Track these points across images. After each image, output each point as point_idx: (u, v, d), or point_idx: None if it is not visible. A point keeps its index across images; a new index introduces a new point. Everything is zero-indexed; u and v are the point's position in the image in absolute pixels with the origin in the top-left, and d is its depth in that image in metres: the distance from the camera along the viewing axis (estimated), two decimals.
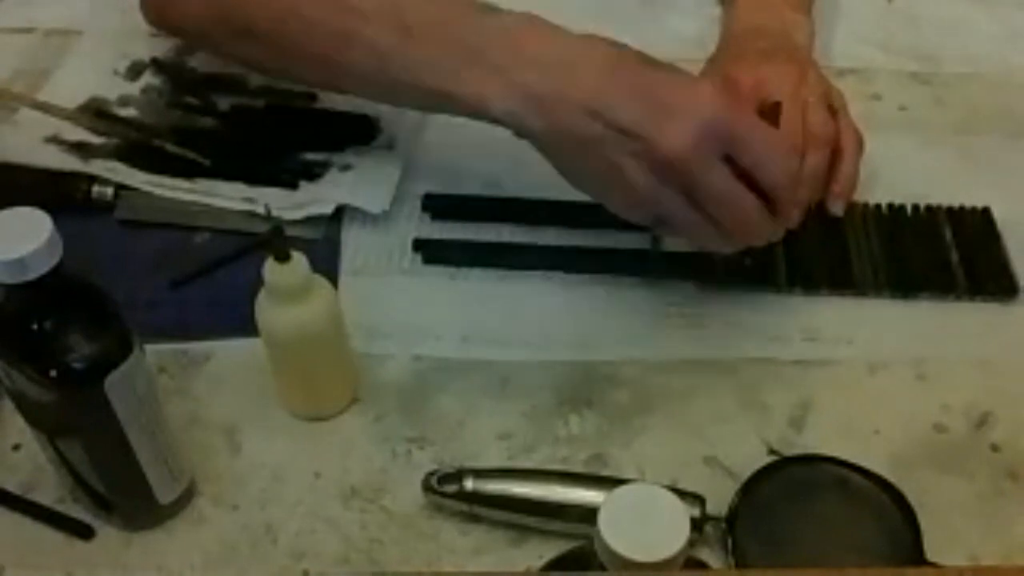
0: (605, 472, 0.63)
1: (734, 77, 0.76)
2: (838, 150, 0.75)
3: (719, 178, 0.60)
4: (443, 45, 0.65)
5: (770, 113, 0.67)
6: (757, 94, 0.74)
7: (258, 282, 0.60)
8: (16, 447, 0.64)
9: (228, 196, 0.77)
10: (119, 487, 0.59)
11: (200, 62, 0.86)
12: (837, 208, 0.75)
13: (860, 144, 0.76)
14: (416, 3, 0.67)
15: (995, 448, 0.65)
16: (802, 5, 0.87)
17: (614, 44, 0.63)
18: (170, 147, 0.80)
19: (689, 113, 0.59)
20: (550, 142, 0.64)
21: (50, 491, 0.62)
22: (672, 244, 0.72)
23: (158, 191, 0.77)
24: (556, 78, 0.62)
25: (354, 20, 0.68)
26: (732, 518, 0.59)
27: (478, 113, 0.65)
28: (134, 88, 0.85)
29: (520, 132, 0.64)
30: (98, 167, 0.78)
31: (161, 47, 0.87)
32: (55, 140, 0.80)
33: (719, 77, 0.77)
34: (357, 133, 0.81)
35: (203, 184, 0.78)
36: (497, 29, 0.64)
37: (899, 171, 0.80)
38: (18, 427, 0.59)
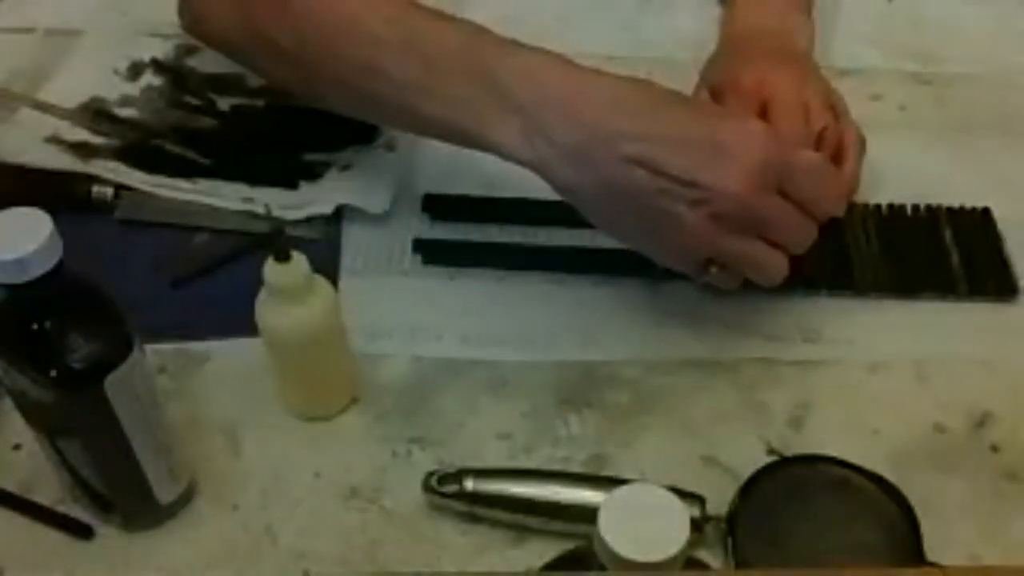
0: (605, 472, 0.63)
1: (735, 78, 0.76)
2: (840, 151, 0.75)
3: (779, 208, 0.60)
4: (464, 80, 0.63)
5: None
6: (759, 95, 0.74)
7: (258, 282, 0.60)
8: (16, 447, 0.64)
9: (228, 196, 0.77)
10: (119, 487, 0.59)
11: (200, 62, 0.86)
12: (838, 209, 0.75)
13: (862, 145, 0.76)
14: (438, 34, 0.65)
15: (995, 448, 0.65)
16: (803, 5, 0.87)
17: (641, 83, 0.61)
18: (170, 147, 0.80)
19: (744, 155, 0.59)
20: (584, 194, 0.61)
21: (50, 491, 0.62)
22: None
23: (158, 191, 0.77)
24: (587, 126, 0.60)
25: (376, 49, 0.66)
26: (732, 518, 0.59)
27: (496, 153, 0.63)
28: (134, 88, 0.85)
29: (541, 177, 0.62)
30: (98, 167, 0.78)
31: (161, 47, 0.87)
32: (55, 140, 0.80)
33: (724, 82, 0.77)
34: (357, 133, 0.81)
35: (203, 184, 0.78)
36: (518, 67, 0.62)
37: (899, 171, 0.80)
38: (18, 427, 0.59)
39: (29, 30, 0.91)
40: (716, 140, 0.59)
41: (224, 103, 0.84)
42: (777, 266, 0.63)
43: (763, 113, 0.74)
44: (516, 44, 0.63)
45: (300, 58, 0.70)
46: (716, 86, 0.78)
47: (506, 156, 0.63)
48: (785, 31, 0.83)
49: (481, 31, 0.65)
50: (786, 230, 0.62)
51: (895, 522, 0.59)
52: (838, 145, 0.75)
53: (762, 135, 0.60)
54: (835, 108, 0.77)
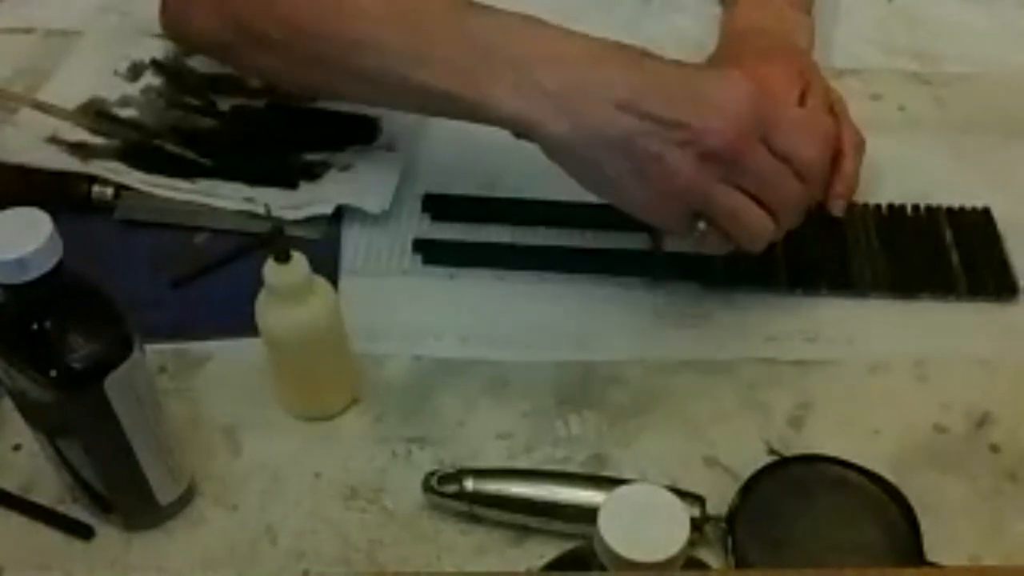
0: (605, 472, 0.63)
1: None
2: (839, 151, 0.75)
3: (764, 159, 0.61)
4: (454, 44, 0.64)
5: None
6: None
7: (258, 282, 0.60)
8: (16, 447, 0.64)
9: (228, 196, 0.77)
10: (119, 487, 0.59)
11: (200, 62, 0.86)
12: (837, 209, 0.75)
13: (861, 145, 0.77)
14: (424, 3, 0.67)
15: (995, 448, 0.65)
16: (802, 5, 0.87)
17: (623, 43, 0.63)
18: (170, 147, 0.80)
19: (729, 100, 0.60)
20: (573, 145, 0.62)
21: (50, 491, 0.62)
22: (673, 244, 0.72)
23: (158, 191, 0.77)
24: (576, 75, 0.61)
25: (363, 23, 0.67)
26: (732, 518, 0.59)
27: (488, 114, 0.63)
28: (134, 88, 0.85)
29: (534, 135, 0.63)
30: (98, 167, 0.78)
31: (161, 48, 0.87)
32: (55, 140, 0.80)
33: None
34: (357, 133, 0.81)
35: (203, 184, 0.78)
36: (505, 27, 0.64)
37: (899, 171, 0.80)
38: (18, 427, 0.59)
39: (29, 30, 0.92)
40: (703, 87, 0.61)
41: (224, 103, 0.84)
42: (762, 226, 0.63)
43: None
44: (500, 9, 0.65)
45: (289, 45, 0.70)
46: None
47: (498, 115, 0.63)
48: (785, 30, 0.83)
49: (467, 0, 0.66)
50: (772, 185, 0.62)
51: (895, 522, 0.59)
52: (837, 145, 0.75)
53: (748, 85, 0.61)
54: (834, 108, 0.77)
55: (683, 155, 0.60)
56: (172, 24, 0.81)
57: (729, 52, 0.82)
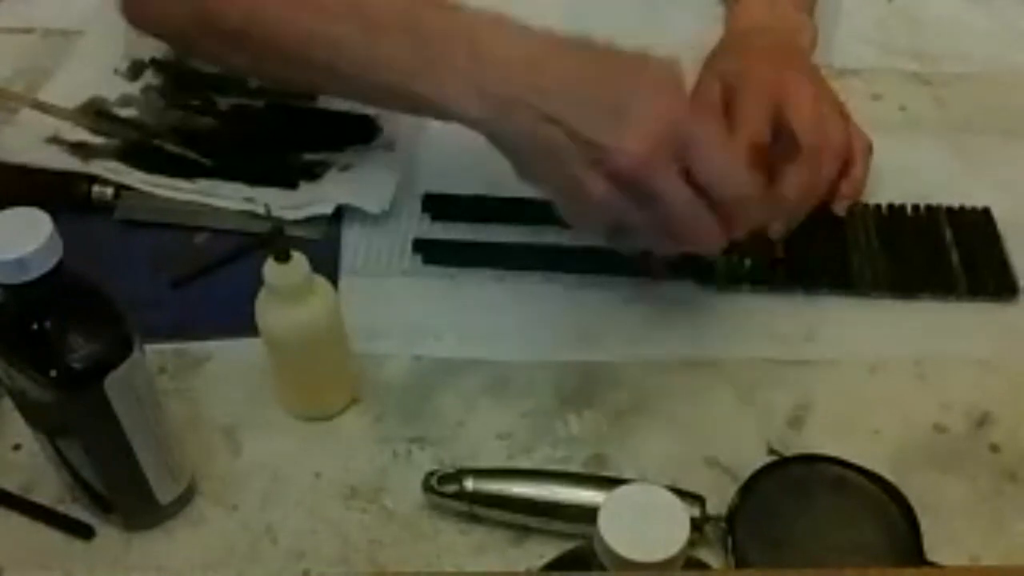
0: (605, 472, 0.63)
1: (745, 73, 0.75)
2: (848, 155, 0.75)
3: (671, 187, 0.59)
4: (405, 42, 0.65)
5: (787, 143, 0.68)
6: (771, 95, 0.73)
7: (258, 282, 0.60)
8: (16, 447, 0.64)
9: (228, 196, 0.77)
10: (119, 487, 0.59)
11: (201, 62, 0.86)
12: (840, 208, 0.75)
13: (869, 148, 0.77)
14: (380, 0, 0.67)
15: (995, 448, 0.65)
16: (805, 6, 0.87)
17: (579, 42, 0.62)
18: (170, 147, 0.80)
19: (647, 119, 0.59)
20: (512, 144, 0.63)
21: (50, 491, 0.62)
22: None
23: (158, 191, 0.77)
24: (518, 81, 0.61)
25: (318, 17, 0.67)
26: (732, 518, 0.59)
27: (440, 112, 0.64)
28: (134, 88, 0.85)
29: (483, 133, 0.64)
30: (98, 167, 0.78)
31: (161, 47, 0.87)
32: (55, 140, 0.80)
33: (735, 75, 0.76)
34: (357, 133, 0.81)
35: (203, 184, 0.78)
36: (460, 27, 0.64)
37: (899, 171, 0.80)
38: (18, 427, 0.59)
39: (29, 30, 0.92)
40: (628, 103, 0.59)
41: (224, 103, 0.84)
42: (665, 245, 0.62)
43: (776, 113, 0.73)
44: (455, 6, 0.65)
45: (248, 37, 0.70)
46: (726, 77, 0.76)
47: (439, 112, 0.64)
48: (788, 30, 0.83)
49: None
50: (676, 215, 0.60)
51: (895, 522, 0.59)
52: (848, 152, 0.75)
53: (671, 101, 0.60)
54: (843, 112, 0.77)
55: (595, 174, 0.59)
56: (134, 13, 0.79)
57: (735, 48, 0.82)
